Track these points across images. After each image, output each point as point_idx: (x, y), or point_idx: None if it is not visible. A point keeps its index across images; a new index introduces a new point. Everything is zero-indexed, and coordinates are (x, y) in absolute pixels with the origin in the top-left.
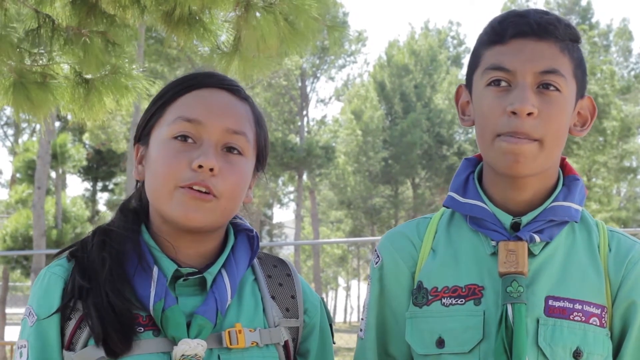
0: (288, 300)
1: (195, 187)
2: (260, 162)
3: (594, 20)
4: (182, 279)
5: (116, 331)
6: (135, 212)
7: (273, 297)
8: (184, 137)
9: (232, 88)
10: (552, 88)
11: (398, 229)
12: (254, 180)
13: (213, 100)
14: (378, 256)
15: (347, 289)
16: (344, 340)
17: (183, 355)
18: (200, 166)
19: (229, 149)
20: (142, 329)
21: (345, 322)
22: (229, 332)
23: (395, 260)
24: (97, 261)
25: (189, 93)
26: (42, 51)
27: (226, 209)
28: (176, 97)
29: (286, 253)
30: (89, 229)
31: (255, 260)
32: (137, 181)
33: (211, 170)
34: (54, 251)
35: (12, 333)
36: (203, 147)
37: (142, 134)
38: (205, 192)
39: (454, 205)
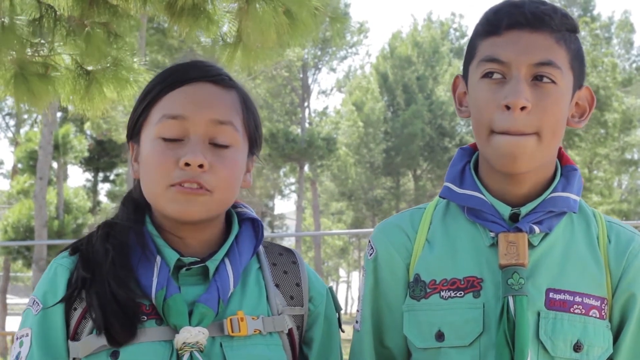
0: (293, 288)
1: (186, 185)
2: (254, 146)
3: (595, 12)
4: (184, 269)
5: (118, 320)
6: (137, 204)
7: (277, 285)
8: (170, 139)
9: (215, 78)
10: (546, 80)
11: (391, 220)
12: (251, 164)
13: (196, 94)
14: (372, 247)
15: (348, 280)
16: (346, 332)
17: (185, 343)
18: (187, 164)
19: (217, 144)
20: (146, 317)
21: (346, 313)
22: (230, 319)
23: (389, 252)
24: (101, 252)
25: (173, 91)
26: (44, 42)
27: (221, 201)
28: (161, 96)
29: (287, 244)
30: (91, 219)
31: (261, 249)
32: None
33: (201, 166)
34: (56, 242)
35: (13, 323)
36: (190, 143)
37: (133, 133)
38: (198, 187)
39: (450, 196)
